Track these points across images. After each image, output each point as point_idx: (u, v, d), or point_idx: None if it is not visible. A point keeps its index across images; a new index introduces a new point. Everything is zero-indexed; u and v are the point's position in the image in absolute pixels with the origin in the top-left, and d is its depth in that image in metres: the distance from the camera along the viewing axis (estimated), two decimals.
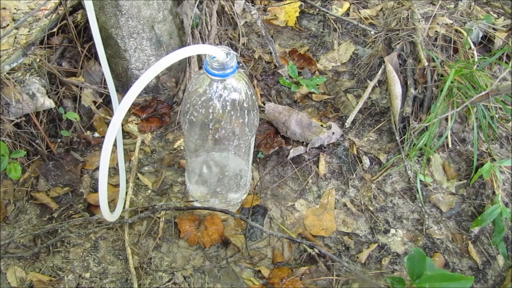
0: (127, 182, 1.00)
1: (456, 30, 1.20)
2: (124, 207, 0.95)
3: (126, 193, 0.98)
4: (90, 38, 1.12)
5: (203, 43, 1.13)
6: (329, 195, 1.04)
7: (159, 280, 0.88)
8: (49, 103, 1.03)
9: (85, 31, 1.15)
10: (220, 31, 1.19)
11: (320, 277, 0.91)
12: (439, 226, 1.01)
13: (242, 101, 0.73)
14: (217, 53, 0.65)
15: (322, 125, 1.12)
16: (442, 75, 1.09)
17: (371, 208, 1.03)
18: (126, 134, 1.13)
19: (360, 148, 1.12)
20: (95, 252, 0.92)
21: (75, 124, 1.09)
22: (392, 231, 1.00)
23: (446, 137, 1.09)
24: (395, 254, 0.96)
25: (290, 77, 1.23)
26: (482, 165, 1.03)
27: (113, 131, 0.57)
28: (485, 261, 0.97)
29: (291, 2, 1.45)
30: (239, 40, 1.23)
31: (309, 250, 0.93)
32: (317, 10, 1.43)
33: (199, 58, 1.15)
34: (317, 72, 1.30)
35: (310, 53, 1.35)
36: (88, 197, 1.00)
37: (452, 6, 1.30)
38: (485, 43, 1.24)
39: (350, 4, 1.46)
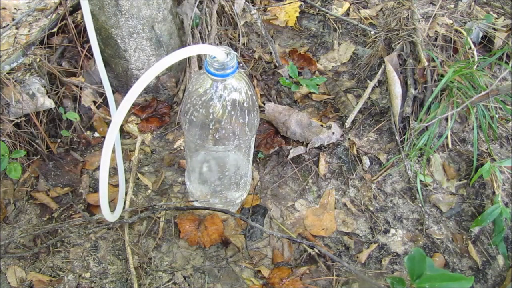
0: (127, 182, 1.00)
1: (456, 30, 1.20)
2: (124, 207, 0.95)
3: (126, 193, 0.98)
4: None
5: (203, 43, 1.12)
6: (329, 195, 1.04)
7: (159, 280, 0.88)
8: (49, 103, 1.03)
9: (85, 31, 1.14)
10: (220, 31, 1.19)
11: (320, 277, 0.91)
12: (439, 226, 1.01)
13: (242, 101, 0.73)
14: (218, 53, 0.64)
15: (322, 125, 1.12)
16: (442, 75, 1.09)
17: (371, 208, 1.03)
18: (126, 134, 1.13)
19: (360, 148, 1.12)
20: (95, 252, 0.92)
21: (75, 124, 1.09)
22: (392, 231, 1.00)
23: (446, 137, 1.09)
24: (395, 254, 0.96)
25: (290, 77, 1.23)
26: (482, 165, 1.03)
27: (114, 132, 0.57)
28: (485, 261, 0.97)
29: (291, 2, 1.45)
30: (239, 40, 1.23)
31: (309, 250, 0.93)
32: (317, 10, 1.43)
33: (199, 58, 1.15)
34: (317, 72, 1.30)
35: (310, 53, 1.35)
36: (87, 197, 1.00)
37: (452, 6, 1.30)
38: (485, 43, 1.24)
39: (350, 4, 1.46)
